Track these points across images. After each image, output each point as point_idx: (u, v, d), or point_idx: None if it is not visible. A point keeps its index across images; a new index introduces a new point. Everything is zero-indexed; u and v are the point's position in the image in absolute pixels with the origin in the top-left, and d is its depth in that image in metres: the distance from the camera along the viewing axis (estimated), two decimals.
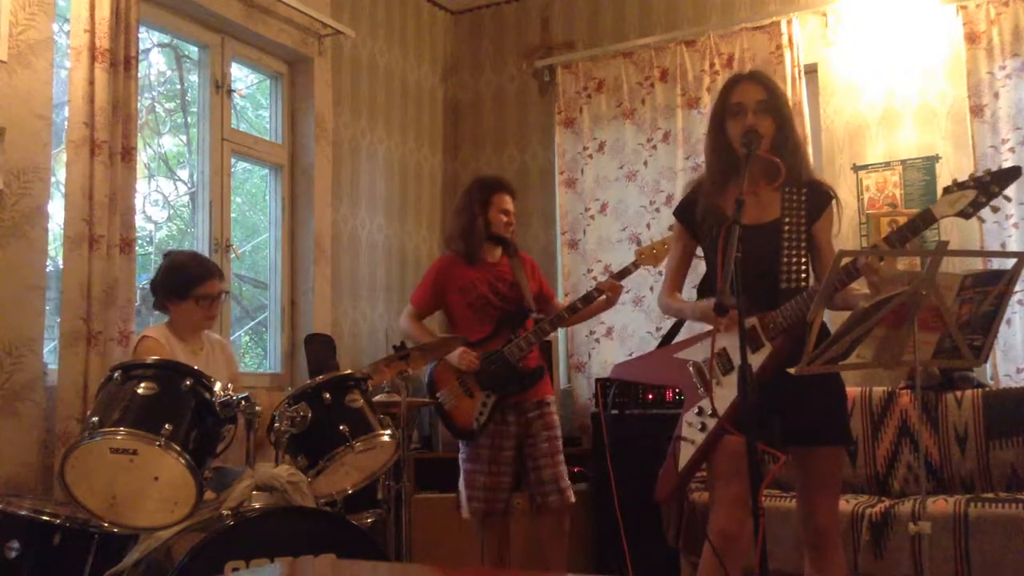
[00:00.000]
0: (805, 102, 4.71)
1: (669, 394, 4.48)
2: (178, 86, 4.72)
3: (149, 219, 4.53)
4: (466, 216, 3.81)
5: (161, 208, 4.73)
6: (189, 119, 4.60)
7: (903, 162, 4.62)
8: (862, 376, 4.19)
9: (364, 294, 5.08)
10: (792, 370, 2.22)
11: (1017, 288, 2.84)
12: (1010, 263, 2.26)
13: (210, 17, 4.31)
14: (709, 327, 2.52)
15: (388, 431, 2.99)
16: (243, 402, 2.62)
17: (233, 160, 4.54)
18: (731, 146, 2.60)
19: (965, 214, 2.33)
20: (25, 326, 3.38)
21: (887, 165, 4.66)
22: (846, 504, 3.62)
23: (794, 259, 2.54)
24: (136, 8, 3.67)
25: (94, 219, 3.46)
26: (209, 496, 2.60)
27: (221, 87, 4.44)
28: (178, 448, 2.44)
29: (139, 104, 3.73)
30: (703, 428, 2.51)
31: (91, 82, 3.48)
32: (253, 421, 2.69)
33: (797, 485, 2.61)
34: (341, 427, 2.86)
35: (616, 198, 5.20)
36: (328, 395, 2.92)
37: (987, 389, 4.05)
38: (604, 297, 3.66)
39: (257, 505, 2.63)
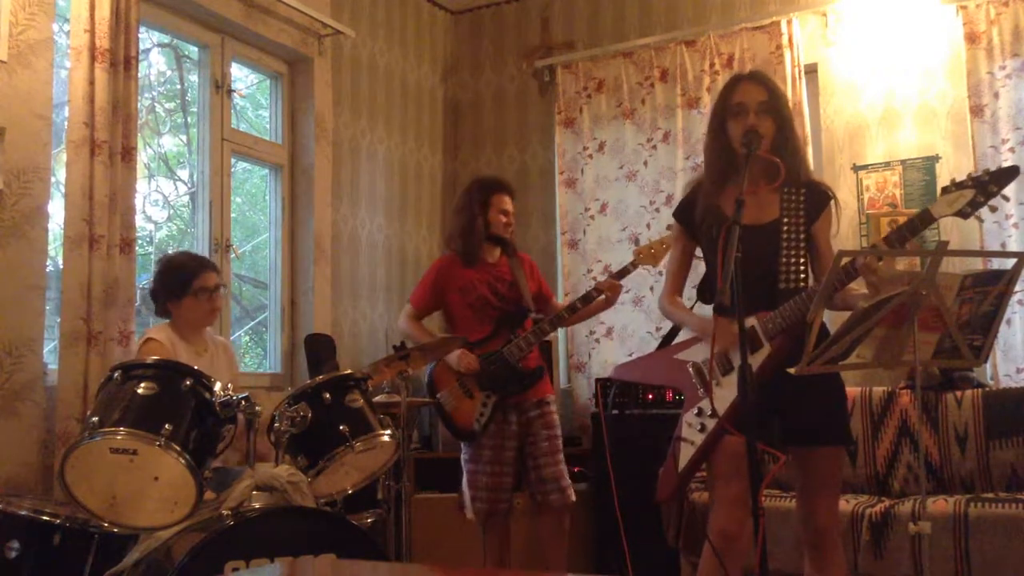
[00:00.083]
0: (805, 102, 4.71)
1: (669, 394, 4.48)
2: (178, 86, 4.72)
3: (149, 219, 4.53)
4: (465, 216, 3.81)
5: (161, 208, 4.73)
6: (189, 119, 4.60)
7: (903, 162, 4.62)
8: (862, 376, 4.19)
9: (364, 294, 5.09)
10: (792, 370, 2.22)
11: (1017, 288, 2.84)
12: (1010, 263, 2.26)
13: (210, 17, 4.31)
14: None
15: (388, 431, 2.99)
16: (243, 402, 2.62)
17: (233, 160, 4.54)
18: (731, 146, 2.60)
19: (963, 214, 2.33)
20: (25, 326, 3.38)
21: (887, 165, 4.66)
22: (846, 504, 3.62)
23: (793, 260, 2.54)
24: (136, 8, 3.67)
25: (94, 219, 3.46)
26: (209, 496, 2.60)
27: (221, 87, 4.44)
28: (178, 448, 2.44)
29: (139, 104, 3.73)
30: (702, 429, 2.51)
31: (91, 82, 3.48)
32: (253, 421, 2.69)
33: (797, 485, 2.61)
34: (341, 427, 2.86)
35: (616, 198, 5.20)
36: (328, 395, 2.92)
37: (987, 389, 4.05)
38: (603, 297, 3.67)
39: (257, 505, 2.62)
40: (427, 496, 4.42)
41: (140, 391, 2.49)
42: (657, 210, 5.06)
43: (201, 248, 4.29)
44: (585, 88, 5.33)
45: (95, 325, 3.43)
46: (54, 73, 3.55)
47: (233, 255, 4.46)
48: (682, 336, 2.76)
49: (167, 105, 4.78)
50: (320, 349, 4.44)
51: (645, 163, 5.14)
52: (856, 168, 4.72)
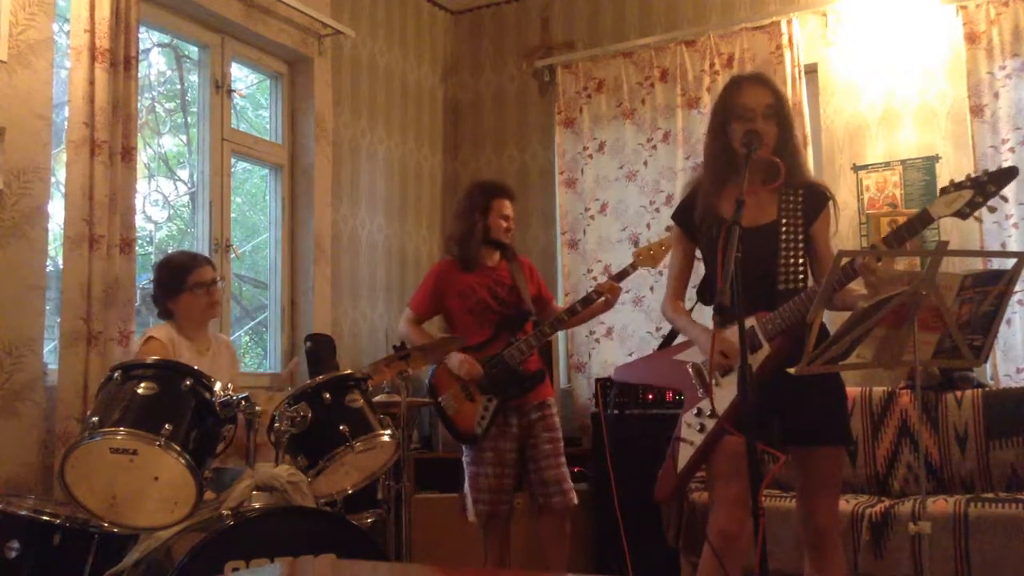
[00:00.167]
0: (805, 102, 4.71)
1: (669, 394, 4.48)
2: (178, 86, 4.73)
3: (149, 219, 4.53)
4: (466, 221, 3.81)
5: (161, 208, 4.73)
6: (189, 119, 4.60)
7: (903, 162, 4.62)
8: (862, 376, 4.19)
9: (364, 294, 5.09)
10: (792, 370, 2.23)
11: (1017, 288, 2.84)
12: (1010, 263, 2.26)
13: (210, 17, 4.31)
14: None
15: (388, 431, 2.98)
16: (243, 402, 2.62)
17: (233, 160, 4.55)
18: (731, 147, 2.59)
19: (962, 214, 2.34)
20: (25, 326, 3.38)
21: (887, 165, 4.66)
22: (846, 504, 3.62)
23: (791, 260, 2.54)
24: (136, 8, 3.67)
25: (94, 219, 3.46)
26: (209, 496, 2.60)
27: (221, 87, 4.45)
28: (178, 448, 2.44)
29: (139, 104, 3.74)
30: (702, 429, 2.51)
31: (91, 82, 3.48)
32: (253, 421, 2.69)
33: (797, 485, 2.61)
34: (341, 427, 2.86)
35: (616, 198, 5.20)
36: (328, 395, 2.91)
37: (987, 389, 4.05)
38: (603, 299, 3.66)
39: (257, 505, 2.62)
40: (427, 496, 4.42)
41: (140, 391, 2.49)
42: (657, 210, 5.06)
43: (201, 248, 4.29)
44: (585, 88, 5.33)
45: (95, 325, 3.43)
46: (54, 73, 3.55)
47: (233, 255, 4.46)
48: (682, 337, 2.76)
49: (167, 105, 4.78)
50: (320, 349, 4.44)
51: (645, 163, 5.14)
52: (856, 168, 4.72)
